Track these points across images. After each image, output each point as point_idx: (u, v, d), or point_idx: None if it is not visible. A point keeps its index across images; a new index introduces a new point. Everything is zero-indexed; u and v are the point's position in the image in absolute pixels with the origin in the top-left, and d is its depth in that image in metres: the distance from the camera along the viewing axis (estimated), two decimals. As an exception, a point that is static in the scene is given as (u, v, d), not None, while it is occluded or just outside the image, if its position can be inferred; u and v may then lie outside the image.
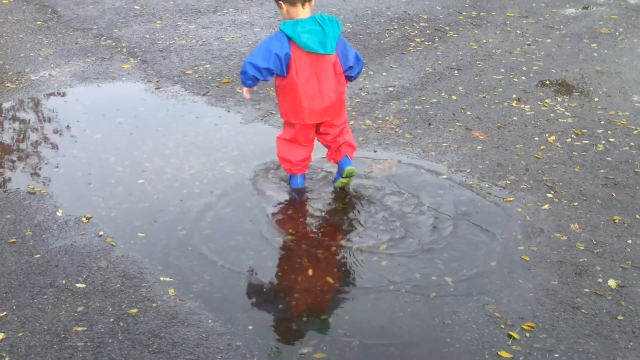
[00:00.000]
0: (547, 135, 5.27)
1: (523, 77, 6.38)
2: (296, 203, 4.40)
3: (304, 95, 4.17)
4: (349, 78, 4.36)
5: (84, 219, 4.15)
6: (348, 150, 4.50)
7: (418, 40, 7.29)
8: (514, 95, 5.98)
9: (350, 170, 4.43)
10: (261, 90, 5.90)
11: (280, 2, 4.11)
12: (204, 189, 4.52)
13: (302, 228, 4.15)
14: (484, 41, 7.31)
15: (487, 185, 4.59)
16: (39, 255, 3.82)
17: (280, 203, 4.40)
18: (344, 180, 4.49)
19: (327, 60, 4.16)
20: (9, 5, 8.40)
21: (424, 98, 5.91)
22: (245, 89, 4.29)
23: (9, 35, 7.32)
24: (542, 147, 5.09)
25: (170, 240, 3.99)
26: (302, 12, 4.09)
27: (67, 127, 5.33)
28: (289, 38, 4.07)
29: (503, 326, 3.36)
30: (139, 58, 6.72)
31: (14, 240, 3.94)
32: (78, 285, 3.61)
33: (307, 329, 3.36)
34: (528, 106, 5.76)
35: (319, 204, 4.41)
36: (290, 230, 4.11)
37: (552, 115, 5.61)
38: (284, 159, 4.51)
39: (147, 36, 7.29)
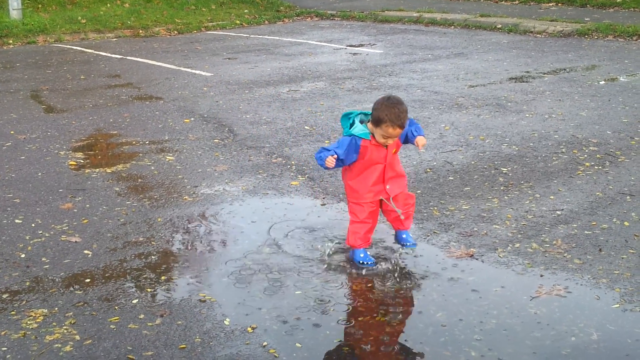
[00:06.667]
0: None
1: (703, 205, 6.06)
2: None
3: None
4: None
5: (249, 329, 4.26)
6: None
7: (587, 164, 7.12)
8: (693, 224, 5.68)
9: None
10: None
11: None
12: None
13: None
14: (659, 166, 7.03)
15: (665, 318, 4.32)
16: (206, 362, 3.95)
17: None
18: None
19: None
20: (190, 124, 9.05)
21: (594, 223, 5.71)
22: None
23: (189, 152, 7.84)
24: None
25: (331, 355, 4.01)
26: None
27: (234, 239, 5.56)
28: None
29: None
30: (307, 175, 6.98)
31: (184, 346, 4.10)
32: (241, 394, 3.69)
33: None
34: None
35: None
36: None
37: None
38: None
39: (316, 155, 7.58)
